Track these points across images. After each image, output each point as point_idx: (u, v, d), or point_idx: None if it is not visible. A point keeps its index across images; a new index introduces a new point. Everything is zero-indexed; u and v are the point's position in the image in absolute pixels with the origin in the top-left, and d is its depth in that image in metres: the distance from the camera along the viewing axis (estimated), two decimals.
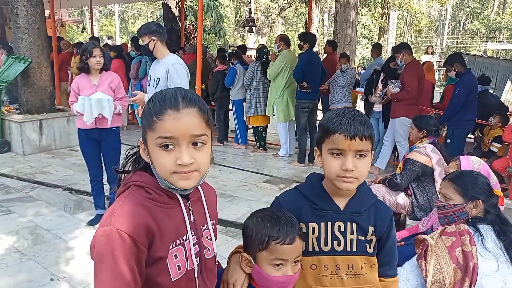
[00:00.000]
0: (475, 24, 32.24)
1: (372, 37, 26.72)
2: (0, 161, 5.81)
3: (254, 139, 7.09)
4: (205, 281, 1.14)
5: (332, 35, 12.71)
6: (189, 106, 1.01)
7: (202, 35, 5.87)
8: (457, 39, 34.05)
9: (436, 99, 9.03)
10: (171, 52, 3.76)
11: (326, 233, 1.29)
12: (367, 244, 1.30)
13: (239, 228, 3.75)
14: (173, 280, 1.05)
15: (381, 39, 22.37)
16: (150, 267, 1.02)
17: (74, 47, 9.24)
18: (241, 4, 26.28)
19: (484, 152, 5.77)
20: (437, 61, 17.57)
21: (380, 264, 1.35)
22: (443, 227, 1.86)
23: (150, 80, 3.70)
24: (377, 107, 6.02)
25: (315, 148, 1.31)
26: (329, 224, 1.29)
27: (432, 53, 14.31)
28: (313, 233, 1.28)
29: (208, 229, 1.17)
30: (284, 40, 6.34)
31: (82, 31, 17.10)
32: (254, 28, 15.83)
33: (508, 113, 6.67)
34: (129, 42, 10.45)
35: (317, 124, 6.14)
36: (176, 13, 11.92)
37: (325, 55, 7.90)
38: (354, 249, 1.29)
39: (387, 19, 22.92)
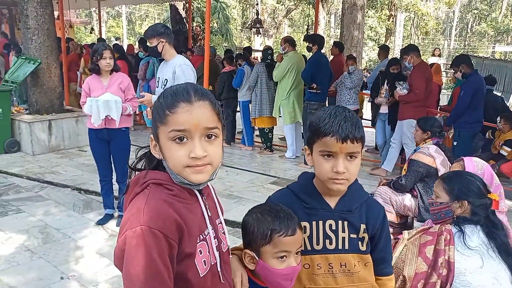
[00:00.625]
0: (483, 26, 32.05)
1: (378, 39, 26.66)
2: (10, 160, 5.88)
3: (260, 141, 7.11)
4: (225, 275, 1.15)
5: (338, 37, 12.71)
6: (201, 99, 1.02)
7: (209, 37, 5.90)
8: (465, 41, 33.86)
9: (444, 101, 9.00)
10: (178, 54, 3.79)
11: (317, 232, 1.29)
12: (360, 242, 1.31)
13: None
14: (201, 275, 1.05)
15: (388, 41, 22.30)
16: (180, 264, 1.02)
17: (85, 47, 9.32)
18: (248, 6, 26.35)
19: (494, 155, 5.75)
20: (444, 63, 17.49)
21: (376, 262, 1.36)
22: (426, 226, 1.90)
23: (158, 81, 3.74)
24: (384, 109, 6.02)
25: (305, 147, 1.31)
26: (320, 222, 1.29)
27: (439, 55, 14.24)
28: (304, 232, 1.28)
29: (221, 223, 1.19)
30: (289, 41, 6.36)
31: (91, 32, 17.22)
32: (260, 30, 15.86)
33: None
34: (137, 43, 10.52)
35: None
36: (183, 15, 11.99)
37: (331, 57, 7.90)
38: (346, 247, 1.29)
39: (394, 21, 22.86)
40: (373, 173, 5.78)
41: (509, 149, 5.57)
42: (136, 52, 9.56)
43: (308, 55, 6.89)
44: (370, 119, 6.88)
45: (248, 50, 9.26)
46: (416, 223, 3.47)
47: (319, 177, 1.27)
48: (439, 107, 6.86)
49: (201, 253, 1.06)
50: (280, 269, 1.20)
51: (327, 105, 6.87)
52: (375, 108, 6.48)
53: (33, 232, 3.73)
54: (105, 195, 3.99)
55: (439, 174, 3.37)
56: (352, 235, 1.30)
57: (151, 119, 1.13)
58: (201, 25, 15.28)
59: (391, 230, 3.53)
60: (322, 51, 6.25)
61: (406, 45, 6.48)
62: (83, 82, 7.98)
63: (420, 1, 21.67)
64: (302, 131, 6.62)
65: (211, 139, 1.03)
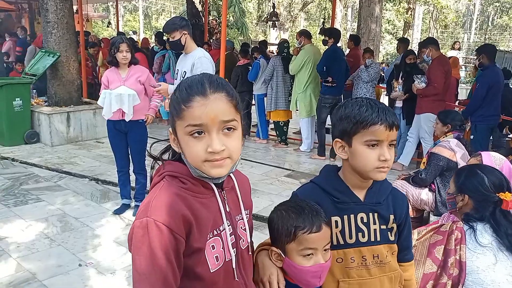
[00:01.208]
0: (504, 19, 31.23)
1: (396, 32, 26.25)
2: (30, 151, 6.02)
3: (275, 134, 7.10)
4: (241, 272, 1.12)
5: (355, 30, 12.56)
6: (217, 91, 0.99)
7: (226, 30, 5.91)
8: (485, 35, 33.06)
9: (462, 95, 8.84)
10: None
11: (349, 226, 1.28)
12: (389, 233, 1.31)
13: (260, 221, 3.79)
14: (212, 271, 1.03)
15: (405, 34, 21.93)
16: (188, 258, 1.01)
17: (103, 41, 9.43)
18: None
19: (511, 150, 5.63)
20: (463, 57, 17.15)
21: (400, 250, 1.36)
22: (438, 225, 1.87)
23: (177, 73, 3.76)
24: (398, 103, 5.96)
25: (337, 140, 1.28)
26: (352, 216, 1.28)
27: (459, 49, 13.97)
28: (336, 226, 1.27)
29: (242, 219, 1.15)
30: (305, 34, 6.33)
31: (108, 26, 17.42)
32: (276, 23, 15.79)
33: None
34: (153, 37, 10.59)
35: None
36: (200, 8, 12.01)
37: (348, 50, 7.83)
38: (378, 239, 1.29)
39: (413, 14, 22.44)
40: None
41: None
42: (151, 46, 9.63)
43: (324, 49, 6.84)
44: None
45: (264, 43, 9.23)
46: (432, 217, 3.44)
47: (363, 168, 1.24)
48: (457, 101, 6.74)
49: (213, 248, 1.04)
50: (307, 267, 1.18)
51: (342, 99, 6.84)
52: (391, 102, 6.41)
53: (52, 220, 3.82)
54: (122, 186, 4.05)
55: None
56: (382, 226, 1.30)
57: (168, 110, 1.11)
58: (217, 18, 15.28)
59: None
60: (339, 44, 6.21)
61: (425, 38, 6.37)
62: (101, 75, 8.13)
63: None
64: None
65: (229, 131, 1.00)
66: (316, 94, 6.28)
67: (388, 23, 25.39)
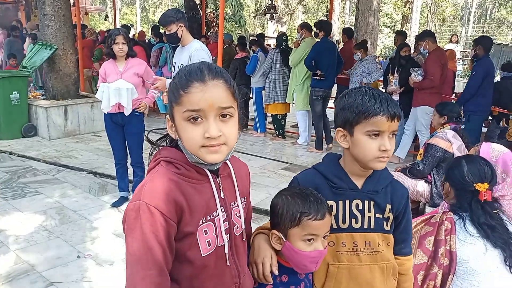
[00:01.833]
0: (503, 13, 31.18)
1: (394, 25, 26.21)
2: (27, 145, 6.02)
3: (273, 127, 7.12)
4: (234, 258, 1.15)
5: (353, 23, 12.53)
6: (215, 78, 1.02)
7: (223, 23, 5.89)
8: (483, 28, 33.02)
9: (459, 88, 8.85)
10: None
11: (344, 211, 1.31)
12: (384, 222, 1.33)
13: (258, 213, 3.81)
14: (203, 255, 1.06)
15: (403, 27, 21.92)
16: (180, 242, 1.03)
17: (100, 34, 9.39)
18: None
19: (510, 143, 5.66)
20: (461, 51, 17.15)
21: (396, 242, 1.38)
22: (428, 216, 1.89)
23: (174, 66, 3.76)
24: (395, 97, 5.97)
25: (339, 129, 1.29)
26: (347, 202, 1.31)
27: (457, 42, 13.97)
28: (331, 210, 1.30)
29: (238, 206, 1.17)
30: (306, 27, 6.33)
31: (105, 19, 17.33)
32: (274, 16, 15.73)
33: None
34: (150, 30, 10.55)
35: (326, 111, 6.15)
36: (197, 1, 11.95)
37: (342, 44, 7.85)
38: (372, 226, 1.32)
39: (411, 7, 22.42)
40: None
41: None
42: (148, 39, 9.60)
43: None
44: None
45: (262, 36, 9.21)
46: (428, 209, 3.47)
47: (364, 157, 1.25)
48: (454, 94, 6.76)
49: (205, 233, 1.07)
50: (307, 252, 1.21)
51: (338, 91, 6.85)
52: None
53: (50, 213, 3.84)
54: (120, 178, 4.07)
55: None
56: (377, 215, 1.32)
57: (167, 103, 1.12)
58: (214, 11, 15.21)
59: None
60: (336, 38, 6.20)
61: (421, 31, 6.38)
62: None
63: None
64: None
65: (225, 118, 1.02)
66: None
67: (386, 16, 25.35)
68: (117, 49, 3.66)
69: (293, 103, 6.65)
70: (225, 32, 7.81)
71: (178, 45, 3.71)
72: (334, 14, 17.00)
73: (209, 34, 9.99)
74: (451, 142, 3.37)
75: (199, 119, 1.00)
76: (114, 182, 4.38)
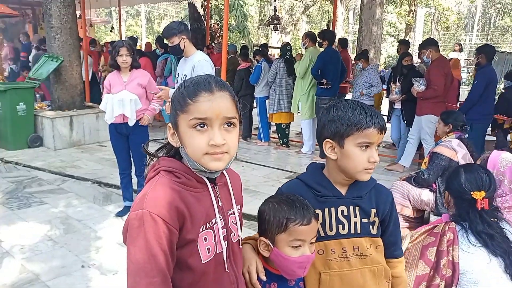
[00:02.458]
0: (506, 21, 31.21)
1: (398, 34, 26.28)
2: (33, 155, 6.07)
3: (277, 136, 7.12)
4: (232, 264, 1.17)
5: (357, 33, 12.59)
6: (222, 90, 1.06)
7: (227, 34, 5.95)
8: (487, 36, 33.03)
9: (464, 97, 8.83)
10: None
11: (330, 218, 1.33)
12: (371, 226, 1.35)
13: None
14: (203, 262, 1.08)
15: (407, 36, 21.95)
16: (181, 250, 1.05)
17: (105, 45, 9.50)
18: (265, 3, 26.31)
19: None
20: (465, 59, 17.13)
21: (386, 246, 1.40)
22: (431, 227, 1.88)
23: (177, 77, 3.79)
24: (398, 105, 5.99)
25: (328, 140, 1.31)
26: (333, 209, 1.33)
27: (460, 51, 13.97)
28: (317, 216, 1.32)
29: (234, 213, 1.20)
30: (309, 36, 6.37)
31: (111, 31, 17.52)
32: (278, 27, 15.85)
33: None
34: (154, 41, 10.66)
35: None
36: (202, 13, 12.08)
37: None
38: (358, 231, 1.33)
39: (414, 16, 22.49)
40: (390, 169, 5.74)
41: None
42: (153, 49, 9.67)
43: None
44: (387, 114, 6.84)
45: (265, 46, 9.28)
46: (432, 217, 3.45)
47: (353, 169, 1.28)
48: (458, 102, 6.75)
49: (205, 240, 1.09)
50: (295, 257, 1.23)
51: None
52: (390, 104, 6.45)
53: (55, 223, 3.85)
54: (124, 188, 4.08)
55: None
56: (363, 220, 1.34)
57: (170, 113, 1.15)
58: (219, 22, 15.36)
59: (407, 224, 3.52)
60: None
61: (424, 39, 6.40)
62: (102, 79, 8.19)
63: None
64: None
65: (229, 127, 1.06)
66: None
67: (390, 25, 25.43)
68: (121, 60, 3.70)
69: (298, 113, 6.67)
70: (229, 42, 7.88)
71: (182, 56, 3.75)
72: (338, 23, 17.09)
73: (213, 44, 10.08)
74: (456, 150, 3.36)
75: (205, 127, 1.04)
76: (119, 191, 4.40)
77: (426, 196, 3.50)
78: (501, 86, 7.74)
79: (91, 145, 6.73)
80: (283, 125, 6.83)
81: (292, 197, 1.29)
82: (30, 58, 9.26)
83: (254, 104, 7.37)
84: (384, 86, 6.86)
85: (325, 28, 16.07)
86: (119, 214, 4.03)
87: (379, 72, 6.57)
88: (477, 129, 5.01)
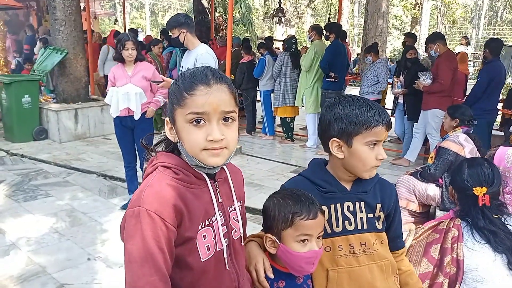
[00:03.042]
0: None
1: (404, 28, 26.07)
2: (39, 147, 6.09)
3: (281, 130, 7.11)
4: (233, 262, 1.14)
5: (362, 26, 12.49)
6: (219, 82, 1.02)
7: (232, 27, 5.92)
8: (494, 30, 32.68)
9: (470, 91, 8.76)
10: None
11: (336, 215, 1.32)
12: (376, 221, 1.35)
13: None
14: (202, 260, 1.06)
15: (413, 30, 21.78)
16: (179, 247, 1.03)
17: (109, 38, 9.48)
18: None
19: None
20: (472, 53, 16.99)
21: (391, 239, 1.40)
22: (436, 223, 1.86)
23: (181, 70, 3.78)
24: (401, 99, 5.97)
25: (335, 139, 1.28)
26: (338, 205, 1.32)
27: (467, 44, 13.84)
28: (323, 210, 1.30)
29: (235, 210, 1.17)
30: (316, 29, 6.33)
31: (114, 23, 17.51)
32: (283, 19, 15.75)
33: None
34: (159, 34, 10.63)
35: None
36: (206, 5, 12.01)
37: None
38: (365, 226, 1.33)
39: (420, 9, 22.27)
40: (395, 163, 5.72)
41: None
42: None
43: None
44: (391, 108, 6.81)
45: (270, 39, 9.22)
46: (438, 213, 3.43)
47: (361, 167, 1.27)
48: (465, 96, 6.69)
49: (204, 238, 1.06)
50: (302, 253, 1.20)
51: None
52: (394, 97, 6.43)
53: (61, 215, 3.87)
54: (129, 181, 4.09)
55: None
56: (369, 215, 1.34)
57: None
58: (223, 15, 15.27)
59: (412, 219, 3.51)
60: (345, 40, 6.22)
61: (431, 33, 6.33)
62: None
63: None
64: None
65: (228, 122, 1.03)
66: None
67: (396, 18, 25.21)
68: (127, 54, 3.69)
69: (303, 106, 6.64)
70: (233, 35, 7.82)
71: (187, 49, 3.74)
72: (343, 16, 16.96)
73: (217, 37, 10.03)
74: (463, 145, 3.33)
75: (202, 121, 1.01)
76: (124, 184, 4.41)
77: (432, 191, 3.48)
78: (508, 80, 7.66)
79: (96, 138, 6.74)
80: (288, 119, 6.81)
81: (297, 192, 1.27)
82: (35, 50, 9.24)
83: (258, 98, 7.35)
84: (390, 80, 6.83)
85: (330, 21, 15.95)
86: (125, 207, 4.04)
87: (388, 66, 6.51)
88: (480, 125, 4.97)
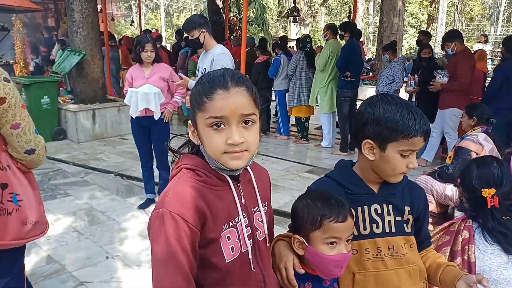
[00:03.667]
0: None
1: (420, 25, 25.71)
2: (57, 148, 6.20)
3: (296, 130, 7.09)
4: (259, 263, 1.15)
5: (378, 24, 12.37)
6: (238, 85, 1.02)
7: (246, 26, 5.93)
8: None
9: None
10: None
11: (363, 217, 1.30)
12: (405, 224, 1.32)
13: (282, 216, 3.80)
14: (227, 261, 1.06)
15: (429, 27, 21.48)
16: (204, 249, 1.04)
17: (123, 39, 9.59)
18: None
19: None
20: (490, 51, 16.65)
21: (421, 241, 1.39)
22: (447, 224, 1.82)
23: (198, 70, 3.81)
24: (414, 98, 5.93)
25: (368, 141, 1.25)
26: (366, 207, 1.30)
27: (486, 42, 13.58)
28: (353, 214, 1.28)
29: (259, 211, 1.17)
30: (331, 29, 6.29)
31: (131, 25, 17.73)
32: (297, 18, 15.71)
33: None
34: (174, 34, 10.72)
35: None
36: (220, 5, 12.05)
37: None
38: (393, 230, 1.30)
39: (437, 6, 21.96)
40: None
41: None
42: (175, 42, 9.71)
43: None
44: None
45: (284, 39, 9.21)
46: (457, 213, 3.38)
47: (391, 172, 1.25)
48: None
49: (228, 239, 1.07)
50: (331, 256, 1.19)
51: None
52: (409, 96, 6.38)
53: (79, 214, 3.94)
54: (146, 181, 4.14)
55: None
56: (397, 218, 1.31)
57: (189, 107, 1.13)
58: (237, 15, 15.31)
59: (430, 220, 3.46)
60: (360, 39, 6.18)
61: (448, 31, 6.22)
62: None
63: None
64: (337, 120, 6.54)
65: (248, 125, 1.03)
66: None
67: (411, 16, 24.90)
68: (146, 56, 3.73)
69: (317, 106, 6.62)
70: (247, 35, 7.83)
71: (203, 50, 3.75)
72: (358, 15, 16.83)
73: (231, 37, 10.05)
74: (482, 145, 3.27)
75: (222, 125, 1.01)
76: (141, 184, 4.46)
77: (450, 191, 3.43)
78: None
79: (113, 138, 6.84)
80: (303, 119, 6.79)
81: (326, 194, 1.25)
82: (53, 51, 9.41)
83: (272, 97, 7.34)
84: (405, 79, 6.76)
85: (345, 19, 15.86)
86: (142, 207, 4.09)
87: (404, 65, 6.44)
88: (497, 124, 4.88)
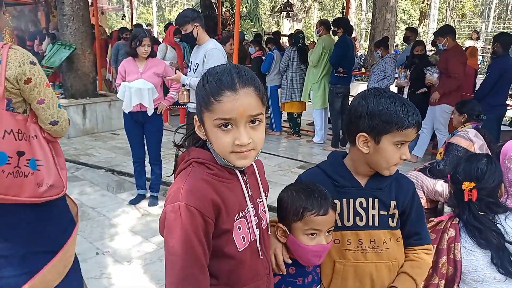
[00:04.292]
0: None
1: (412, 22, 25.82)
2: None
3: (288, 125, 7.09)
4: (263, 251, 1.19)
5: (370, 20, 12.40)
6: (246, 86, 1.02)
7: (239, 21, 5.90)
8: (504, 24, 32.25)
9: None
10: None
11: (348, 209, 1.33)
12: (390, 218, 1.34)
13: (273, 211, 3.80)
14: (239, 250, 1.11)
15: (421, 24, 21.57)
16: (217, 239, 1.07)
17: (113, 33, 9.49)
18: None
19: None
20: (481, 47, 16.78)
21: (407, 236, 1.38)
22: (435, 223, 1.83)
23: (190, 65, 3.78)
24: (406, 95, 5.95)
25: (363, 134, 1.26)
26: (351, 200, 1.33)
27: (477, 39, 13.69)
28: (335, 207, 1.32)
29: (262, 201, 1.22)
30: (324, 24, 6.28)
31: (122, 19, 17.55)
32: (290, 14, 15.68)
33: None
34: (164, 28, 10.62)
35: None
36: (213, 0, 11.98)
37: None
38: (376, 224, 1.33)
39: (429, 3, 22.05)
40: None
41: None
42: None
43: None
44: None
45: (277, 34, 9.18)
46: (446, 208, 3.41)
47: (385, 164, 1.27)
48: (475, 92, 6.63)
49: (240, 229, 1.11)
50: (310, 246, 1.24)
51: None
52: (398, 90, 6.43)
53: None
54: (137, 176, 4.11)
55: None
56: (382, 212, 1.33)
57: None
58: (230, 10, 15.24)
59: None
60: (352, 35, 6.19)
61: (441, 26, 6.25)
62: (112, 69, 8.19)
63: None
64: (329, 116, 6.56)
65: (255, 124, 1.04)
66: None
67: (404, 12, 24.98)
68: (143, 50, 3.68)
69: (309, 101, 6.62)
70: (239, 30, 7.80)
71: (196, 44, 3.72)
72: (351, 11, 16.85)
73: (224, 32, 10.00)
74: (472, 141, 3.30)
75: (230, 126, 1.02)
76: (132, 180, 4.43)
77: (440, 187, 3.46)
78: None
79: (104, 133, 6.78)
80: (295, 114, 6.79)
81: (311, 187, 1.29)
82: (43, 45, 9.28)
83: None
84: (397, 75, 6.79)
85: (338, 15, 15.87)
86: (133, 202, 4.06)
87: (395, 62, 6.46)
88: (489, 120, 4.93)
